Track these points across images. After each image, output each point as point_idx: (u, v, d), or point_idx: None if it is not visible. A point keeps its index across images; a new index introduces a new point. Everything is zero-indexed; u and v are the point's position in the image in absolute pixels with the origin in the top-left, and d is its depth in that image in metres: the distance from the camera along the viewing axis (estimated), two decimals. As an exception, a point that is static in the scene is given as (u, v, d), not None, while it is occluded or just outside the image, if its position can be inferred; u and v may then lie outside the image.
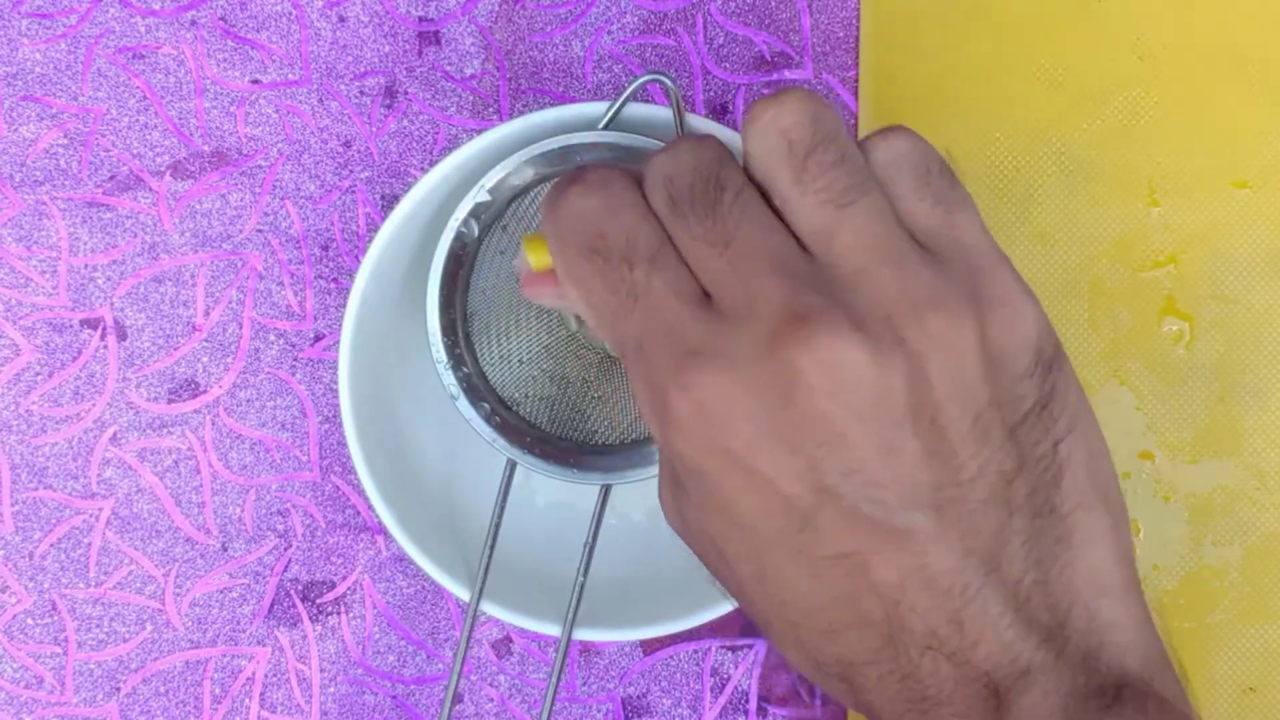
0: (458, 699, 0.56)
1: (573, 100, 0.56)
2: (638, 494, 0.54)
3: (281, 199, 0.56)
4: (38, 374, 0.56)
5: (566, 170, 0.45)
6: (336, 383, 0.51)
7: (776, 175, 0.38)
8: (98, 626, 0.56)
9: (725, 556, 0.39)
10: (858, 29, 0.57)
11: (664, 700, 0.56)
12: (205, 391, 0.56)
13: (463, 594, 0.51)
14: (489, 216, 0.49)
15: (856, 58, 0.57)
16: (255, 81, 0.56)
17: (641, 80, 0.47)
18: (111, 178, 0.56)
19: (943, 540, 0.36)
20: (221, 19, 0.56)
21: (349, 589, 0.56)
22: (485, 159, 0.49)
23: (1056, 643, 0.37)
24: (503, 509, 0.51)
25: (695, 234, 0.38)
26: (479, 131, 0.55)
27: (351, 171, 0.56)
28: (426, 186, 0.49)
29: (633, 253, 0.39)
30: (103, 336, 0.56)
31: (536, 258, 0.45)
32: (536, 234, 0.45)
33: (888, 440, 0.36)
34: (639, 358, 0.38)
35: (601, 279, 0.39)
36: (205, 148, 0.56)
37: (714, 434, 0.37)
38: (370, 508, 0.56)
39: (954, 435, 0.37)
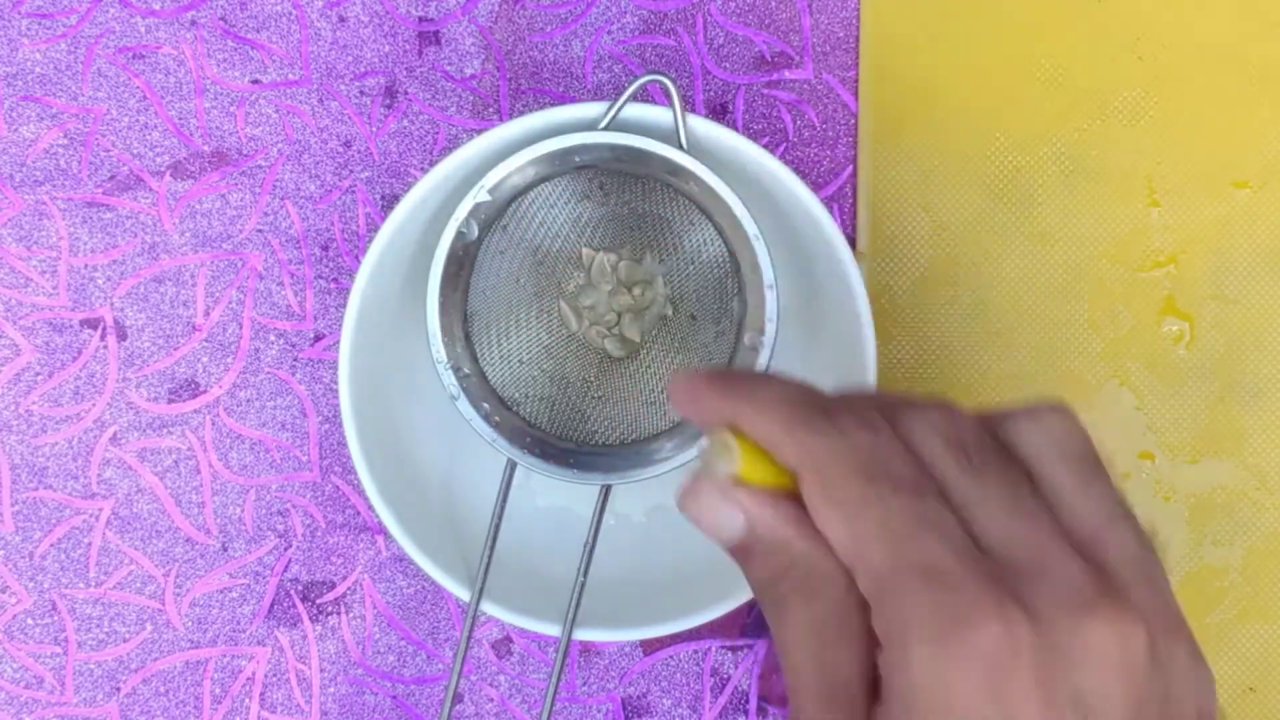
0: (458, 699, 0.56)
1: (573, 100, 0.56)
2: (638, 494, 0.54)
3: (281, 199, 0.56)
4: (38, 374, 0.56)
5: (769, 386, 0.39)
6: (336, 383, 0.51)
7: (1054, 473, 0.40)
8: (98, 626, 0.56)
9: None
10: (858, 29, 0.57)
11: (664, 700, 0.56)
12: (205, 391, 0.56)
13: (463, 594, 0.51)
14: (489, 216, 0.49)
15: (856, 58, 0.57)
16: (255, 81, 0.56)
17: (641, 80, 0.47)
18: (111, 178, 0.56)
19: None
20: (221, 19, 0.56)
21: (349, 589, 0.56)
22: (485, 159, 0.49)
23: None
24: (503, 509, 0.51)
25: (989, 490, 0.39)
26: (479, 131, 0.55)
27: (351, 171, 0.56)
28: (426, 186, 0.49)
29: (920, 486, 0.38)
30: (103, 336, 0.56)
31: (752, 464, 0.39)
32: (748, 437, 0.39)
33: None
34: (929, 583, 0.37)
35: (885, 505, 0.38)
36: (205, 148, 0.56)
37: (990, 678, 0.37)
38: (370, 508, 0.56)
39: None
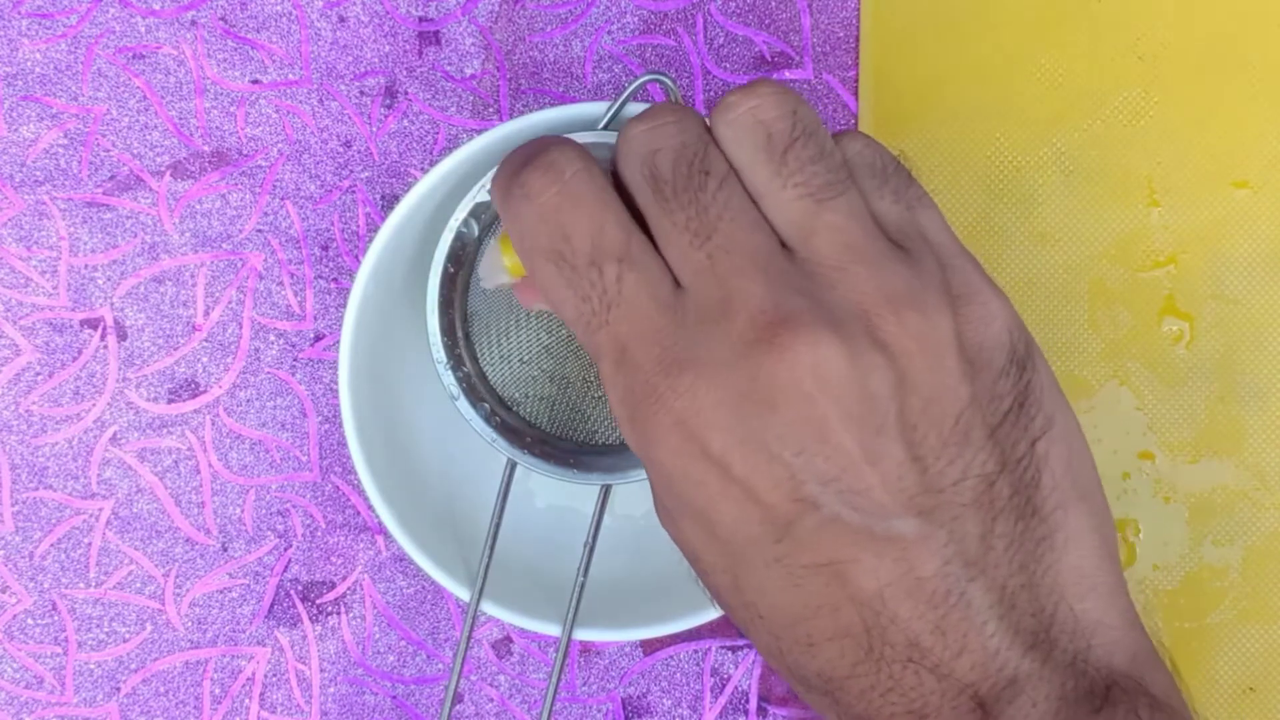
0: (458, 699, 0.56)
1: (573, 100, 0.56)
2: (638, 494, 0.54)
3: (281, 199, 0.56)
4: (38, 374, 0.56)
5: (511, 152, 0.42)
6: (336, 383, 0.51)
7: (753, 165, 0.37)
8: (98, 626, 0.56)
9: (702, 566, 0.39)
10: (858, 29, 0.57)
11: (664, 700, 0.56)
12: (205, 391, 0.56)
13: (463, 594, 0.51)
14: (489, 216, 0.49)
15: (856, 58, 0.57)
16: (255, 81, 0.56)
17: (641, 80, 0.47)
18: (111, 178, 0.56)
19: (926, 546, 0.35)
20: (221, 19, 0.56)
21: (349, 589, 0.56)
22: (485, 159, 0.49)
23: (1043, 648, 0.36)
24: (503, 509, 0.51)
25: (677, 221, 0.37)
26: (479, 131, 0.55)
27: (351, 171, 0.56)
28: (426, 186, 0.49)
29: (601, 253, 0.37)
30: (103, 336, 0.56)
31: (512, 259, 0.44)
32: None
33: (869, 446, 0.35)
34: (619, 368, 0.37)
35: (571, 288, 0.37)
36: (205, 148, 0.56)
37: (692, 443, 0.36)
38: (370, 508, 0.56)
39: (936, 438, 0.36)
